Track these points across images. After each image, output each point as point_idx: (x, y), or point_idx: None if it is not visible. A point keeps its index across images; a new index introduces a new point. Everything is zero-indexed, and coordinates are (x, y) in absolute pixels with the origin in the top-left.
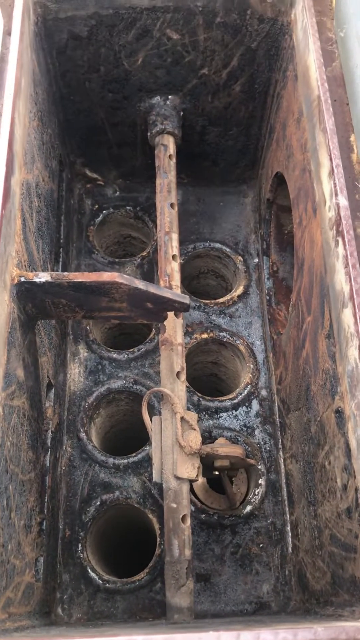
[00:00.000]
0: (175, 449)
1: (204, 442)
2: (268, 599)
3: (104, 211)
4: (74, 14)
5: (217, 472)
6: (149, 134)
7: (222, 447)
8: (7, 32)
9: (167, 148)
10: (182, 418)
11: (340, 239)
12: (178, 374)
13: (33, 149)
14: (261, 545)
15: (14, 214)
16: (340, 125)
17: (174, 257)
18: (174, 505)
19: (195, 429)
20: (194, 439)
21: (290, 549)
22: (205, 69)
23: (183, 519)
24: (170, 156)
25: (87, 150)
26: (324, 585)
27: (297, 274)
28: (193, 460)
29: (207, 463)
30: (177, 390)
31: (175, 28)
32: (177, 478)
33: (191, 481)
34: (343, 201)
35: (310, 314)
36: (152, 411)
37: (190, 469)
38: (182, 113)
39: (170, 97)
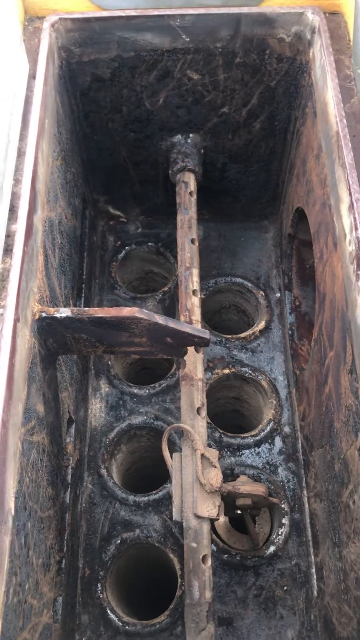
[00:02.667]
0: (195, 487)
1: (225, 480)
2: None
3: (127, 247)
4: (97, 57)
5: (239, 511)
6: (170, 171)
7: (244, 485)
8: (32, 76)
9: (188, 185)
10: (202, 455)
11: None
12: (198, 409)
13: (56, 187)
14: (285, 587)
15: (36, 251)
16: None
17: (194, 292)
18: (194, 545)
19: (215, 466)
20: (215, 477)
21: (315, 592)
22: (225, 107)
23: (203, 559)
24: (191, 193)
25: (110, 188)
26: (350, 632)
27: (318, 309)
28: (214, 498)
29: (229, 502)
30: (197, 426)
31: (195, 69)
32: (197, 517)
33: (212, 520)
34: None
35: (333, 349)
36: (173, 447)
37: (210, 508)
38: (202, 151)
39: (191, 135)
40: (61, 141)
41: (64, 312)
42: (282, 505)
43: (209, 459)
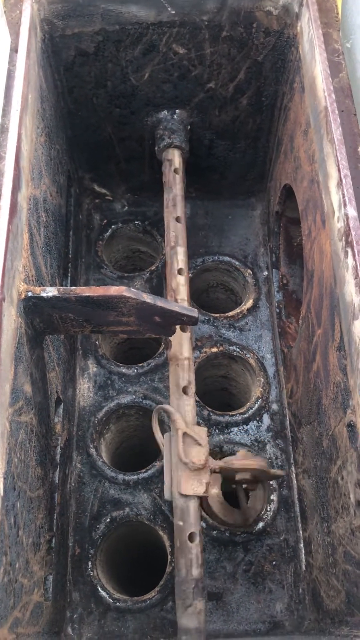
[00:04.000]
0: (179, 466)
1: (218, 457)
2: (282, 618)
3: (113, 226)
4: (81, 30)
5: (234, 486)
6: (156, 148)
7: (239, 460)
8: (14, 49)
9: (174, 162)
10: (184, 434)
11: (349, 250)
12: (185, 388)
13: (40, 165)
14: (274, 562)
15: (21, 229)
16: (348, 135)
17: (181, 270)
18: (181, 523)
19: (200, 444)
20: (197, 455)
21: (303, 567)
22: (212, 82)
23: (190, 537)
24: (177, 170)
25: (95, 165)
26: (338, 605)
27: (306, 286)
28: (200, 476)
29: (229, 476)
30: (183, 405)
31: (181, 42)
32: (183, 495)
33: (200, 497)
34: (352, 212)
35: (321, 326)
36: (164, 427)
37: (196, 485)
38: (189, 127)
39: (177, 111)
40: (45, 117)
41: (50, 292)
42: (271, 482)
43: (193, 437)
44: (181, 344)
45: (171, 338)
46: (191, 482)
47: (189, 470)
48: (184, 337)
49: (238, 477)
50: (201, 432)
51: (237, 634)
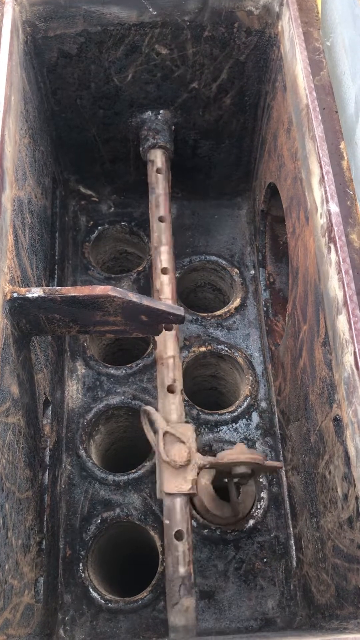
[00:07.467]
0: (162, 465)
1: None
2: (274, 614)
3: (99, 227)
4: (63, 32)
5: (226, 480)
6: (141, 149)
7: (232, 454)
8: None
9: (159, 162)
10: (165, 432)
11: (332, 246)
12: (171, 387)
13: (25, 166)
14: (265, 559)
15: (5, 230)
16: (330, 133)
17: (166, 270)
18: (167, 522)
19: (182, 442)
20: (179, 452)
21: (294, 563)
22: (195, 82)
23: (177, 535)
24: (162, 170)
25: (80, 167)
26: (328, 599)
27: (292, 283)
28: (185, 473)
29: (224, 471)
30: (169, 404)
31: (163, 43)
32: (167, 494)
33: (190, 495)
34: (334, 208)
35: (306, 322)
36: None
37: (180, 483)
38: (173, 127)
39: (161, 111)
40: (28, 119)
41: (35, 292)
42: (260, 479)
43: (175, 435)
44: (165, 343)
45: (158, 337)
46: (174, 480)
47: (172, 469)
48: (169, 336)
49: (237, 471)
50: (185, 430)
51: (229, 631)
